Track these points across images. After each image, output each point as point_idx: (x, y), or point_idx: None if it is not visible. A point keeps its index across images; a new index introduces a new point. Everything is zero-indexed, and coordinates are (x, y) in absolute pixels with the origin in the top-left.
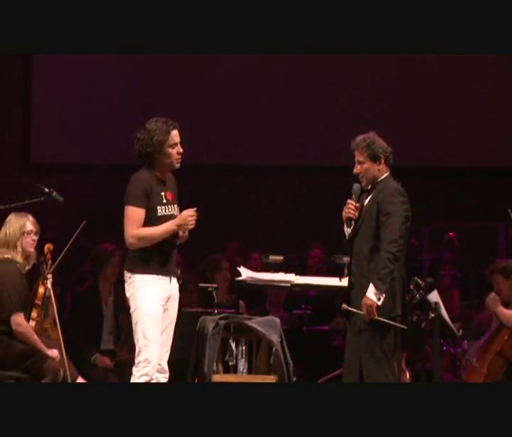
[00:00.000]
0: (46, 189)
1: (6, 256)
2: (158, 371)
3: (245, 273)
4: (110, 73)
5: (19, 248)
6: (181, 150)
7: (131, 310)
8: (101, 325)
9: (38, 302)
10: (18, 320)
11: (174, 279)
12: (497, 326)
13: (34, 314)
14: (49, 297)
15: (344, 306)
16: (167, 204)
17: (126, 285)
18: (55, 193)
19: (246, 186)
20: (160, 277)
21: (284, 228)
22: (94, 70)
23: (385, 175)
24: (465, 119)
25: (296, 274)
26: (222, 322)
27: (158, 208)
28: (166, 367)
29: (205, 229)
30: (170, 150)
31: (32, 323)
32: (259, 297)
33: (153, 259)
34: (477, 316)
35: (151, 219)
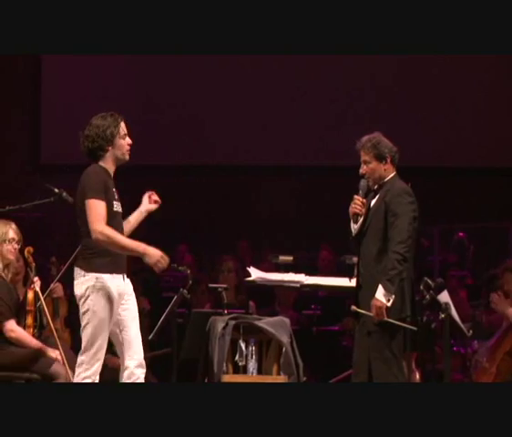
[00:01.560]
0: (56, 190)
1: None
2: (138, 366)
3: (255, 273)
4: (119, 73)
5: None
6: (131, 141)
7: (83, 310)
8: None
9: (30, 308)
10: (10, 327)
11: (125, 277)
12: (507, 326)
13: (29, 321)
14: (59, 297)
15: (353, 307)
16: (117, 200)
17: (77, 282)
18: (64, 194)
19: (254, 186)
20: (114, 275)
21: (293, 229)
22: (103, 70)
23: (392, 175)
24: (475, 119)
25: (306, 274)
26: (232, 323)
27: (114, 203)
28: (143, 362)
29: (215, 230)
30: (122, 141)
31: (29, 330)
32: (268, 297)
33: (107, 257)
34: (487, 316)
35: (108, 215)
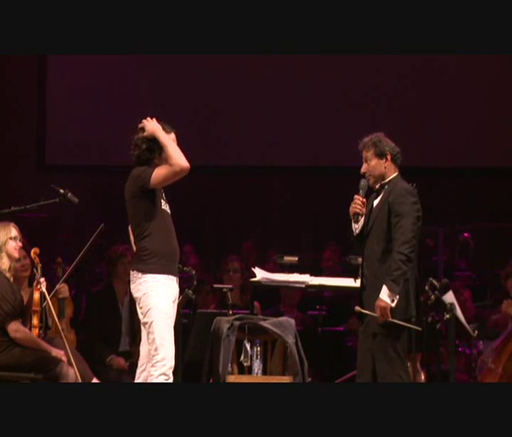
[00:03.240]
0: (61, 191)
1: (3, 267)
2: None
3: (260, 274)
4: (124, 73)
5: (3, 254)
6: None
7: (143, 310)
8: (117, 326)
9: (36, 309)
10: (14, 327)
11: (177, 280)
12: None
13: (34, 321)
14: (65, 298)
15: (357, 308)
16: (165, 200)
17: (135, 285)
18: (70, 194)
19: (259, 186)
20: (170, 277)
21: (298, 229)
22: (108, 71)
23: (394, 175)
24: (480, 119)
25: (311, 275)
26: (237, 323)
27: (162, 201)
28: None
29: (220, 231)
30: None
31: (35, 331)
32: (273, 298)
33: (162, 259)
34: (492, 317)
35: (156, 211)
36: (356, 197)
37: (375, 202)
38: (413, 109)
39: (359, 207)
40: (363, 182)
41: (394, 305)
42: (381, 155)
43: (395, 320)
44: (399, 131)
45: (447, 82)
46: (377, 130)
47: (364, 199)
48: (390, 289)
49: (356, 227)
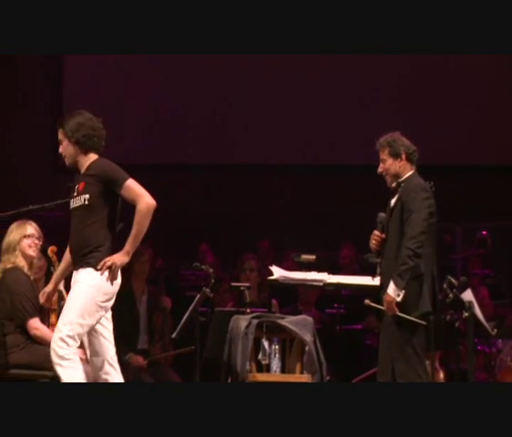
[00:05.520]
0: None
1: (9, 266)
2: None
3: (277, 272)
4: (140, 73)
5: (17, 252)
6: None
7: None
8: (136, 324)
9: (54, 307)
10: (34, 324)
11: None
12: None
13: (52, 319)
14: None
15: (367, 301)
16: None
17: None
18: None
19: (276, 185)
20: None
21: (315, 227)
22: (124, 71)
23: (410, 173)
24: (501, 116)
25: (328, 273)
26: (255, 321)
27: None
28: None
29: (237, 229)
30: None
31: (53, 328)
32: (290, 296)
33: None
34: (511, 315)
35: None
36: (375, 232)
37: (393, 201)
38: (430, 107)
39: (374, 243)
40: (379, 216)
41: (399, 299)
42: (395, 155)
43: (402, 314)
44: (415, 129)
45: (465, 78)
46: (398, 128)
47: (383, 235)
48: (395, 283)
49: (374, 259)
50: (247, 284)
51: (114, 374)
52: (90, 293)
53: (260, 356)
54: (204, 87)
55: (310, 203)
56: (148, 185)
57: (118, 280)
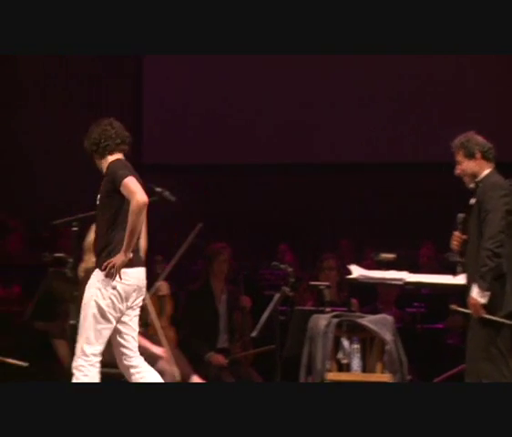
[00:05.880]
0: (158, 189)
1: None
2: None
3: (356, 271)
4: (217, 73)
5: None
6: None
7: None
8: (216, 323)
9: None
10: None
11: None
12: None
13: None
14: (165, 296)
15: (453, 306)
16: None
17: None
18: (167, 193)
19: (356, 184)
20: None
21: (395, 227)
22: (203, 70)
23: (487, 171)
24: None
25: (408, 272)
26: (335, 320)
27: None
28: None
29: (316, 229)
30: None
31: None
32: (370, 295)
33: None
34: None
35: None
36: (455, 234)
37: (472, 201)
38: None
39: (455, 245)
40: (459, 217)
41: (484, 301)
42: (470, 155)
43: (489, 316)
44: (496, 126)
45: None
46: (466, 126)
47: (463, 236)
48: (479, 286)
49: (456, 258)
50: (326, 283)
51: (143, 366)
52: (99, 297)
53: (339, 355)
54: (289, 85)
55: (390, 202)
56: (230, 185)
57: (124, 280)
